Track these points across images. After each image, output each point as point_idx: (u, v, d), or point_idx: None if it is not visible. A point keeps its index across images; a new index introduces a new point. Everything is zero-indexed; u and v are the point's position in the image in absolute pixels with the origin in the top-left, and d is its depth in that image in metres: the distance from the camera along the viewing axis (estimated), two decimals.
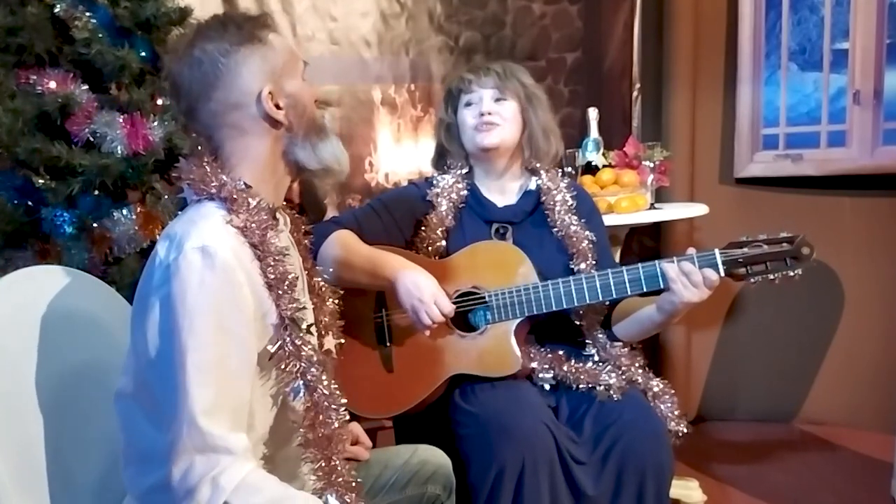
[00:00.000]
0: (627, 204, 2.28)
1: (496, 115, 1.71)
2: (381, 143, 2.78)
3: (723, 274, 1.51)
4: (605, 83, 3.04)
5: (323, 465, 1.09)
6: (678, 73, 2.91)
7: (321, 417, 1.10)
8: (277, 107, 1.12)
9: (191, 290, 0.99)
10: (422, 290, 1.54)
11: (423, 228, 1.75)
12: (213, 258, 1.00)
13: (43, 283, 1.25)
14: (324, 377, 1.10)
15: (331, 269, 1.59)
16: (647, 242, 3.03)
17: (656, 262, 1.55)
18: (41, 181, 1.68)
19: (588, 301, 1.59)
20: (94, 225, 1.72)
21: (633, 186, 2.35)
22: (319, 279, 1.33)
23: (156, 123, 1.75)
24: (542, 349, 1.68)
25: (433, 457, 1.43)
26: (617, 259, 2.45)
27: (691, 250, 1.53)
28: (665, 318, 1.57)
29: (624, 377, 1.62)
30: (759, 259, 1.51)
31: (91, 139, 1.70)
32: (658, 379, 1.67)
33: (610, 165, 2.43)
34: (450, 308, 1.56)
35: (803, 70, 3.06)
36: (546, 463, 1.47)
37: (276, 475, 1.11)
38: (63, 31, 1.73)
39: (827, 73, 2.95)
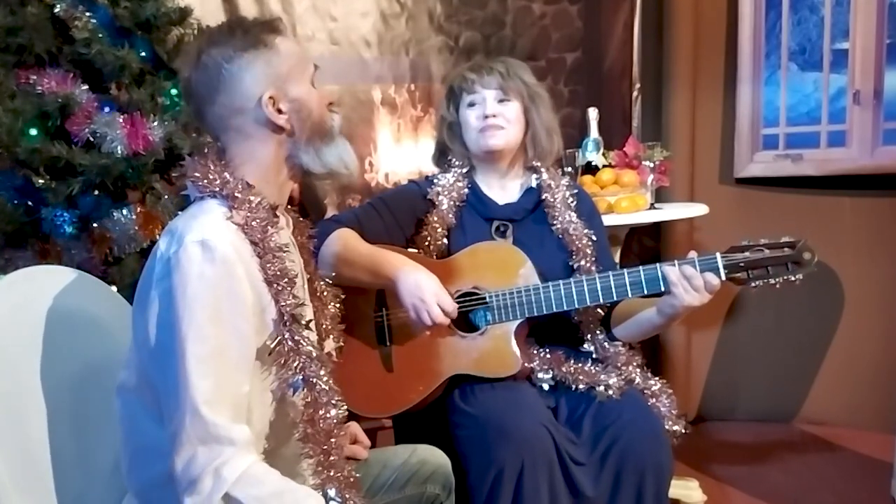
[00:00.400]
0: (627, 204, 2.28)
1: (500, 116, 1.71)
2: (381, 143, 2.78)
3: (724, 278, 1.51)
4: (605, 83, 3.04)
5: (322, 459, 1.10)
6: (678, 73, 2.91)
7: (320, 412, 1.10)
8: (280, 111, 1.13)
9: (191, 282, 1.00)
10: (423, 290, 1.54)
11: (424, 227, 1.75)
12: (213, 251, 1.01)
13: (43, 283, 1.25)
14: (322, 372, 1.11)
15: (331, 269, 1.59)
16: (647, 242, 3.03)
17: (657, 264, 1.55)
18: (41, 181, 1.68)
19: (589, 303, 1.59)
20: (94, 225, 1.73)
21: (633, 186, 2.35)
22: (321, 282, 1.34)
23: (156, 123, 1.75)
24: (542, 350, 1.68)
25: (432, 456, 1.44)
26: (617, 259, 2.45)
27: (692, 253, 1.52)
28: (665, 321, 1.57)
29: (623, 377, 1.62)
30: (761, 264, 1.50)
31: (91, 139, 1.70)
32: (656, 378, 1.67)
33: (610, 165, 2.43)
34: (452, 307, 1.56)
35: (803, 70, 3.06)
36: (545, 464, 1.47)
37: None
38: (63, 31, 1.73)
39: (827, 73, 2.95)
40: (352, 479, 1.12)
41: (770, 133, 3.03)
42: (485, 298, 1.64)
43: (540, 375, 1.64)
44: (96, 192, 1.74)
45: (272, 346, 1.09)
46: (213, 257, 1.01)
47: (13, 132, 1.64)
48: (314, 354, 1.11)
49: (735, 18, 2.96)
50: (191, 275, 1.00)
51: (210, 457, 0.99)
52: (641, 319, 1.62)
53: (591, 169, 2.43)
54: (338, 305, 1.36)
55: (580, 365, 1.64)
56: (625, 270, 1.57)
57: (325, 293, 1.34)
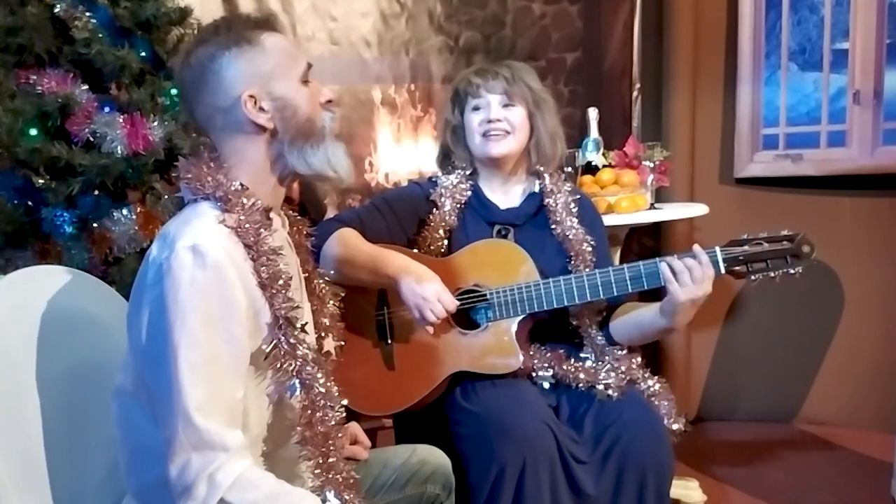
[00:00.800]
0: (627, 204, 2.28)
1: (504, 121, 1.71)
2: (381, 143, 2.78)
3: (723, 271, 1.51)
4: (605, 83, 3.04)
5: (321, 462, 1.09)
6: (678, 73, 2.91)
7: (318, 415, 1.10)
8: (263, 110, 1.11)
9: (182, 288, 1.00)
10: (425, 288, 1.54)
11: (425, 227, 1.75)
12: (204, 257, 1.01)
13: (43, 283, 1.25)
14: (319, 375, 1.11)
15: (332, 268, 1.59)
16: (647, 242, 3.03)
17: (657, 259, 1.55)
18: (41, 181, 1.68)
19: (590, 298, 1.60)
20: (94, 225, 1.72)
21: (633, 186, 2.35)
22: (320, 281, 1.33)
23: (156, 123, 1.75)
24: (542, 348, 1.68)
25: (432, 456, 1.43)
26: (617, 259, 2.45)
27: (696, 247, 1.52)
28: (668, 323, 1.55)
29: (623, 376, 1.62)
30: (760, 257, 1.51)
31: (91, 139, 1.70)
32: (655, 377, 1.67)
33: (610, 165, 2.43)
34: (453, 304, 1.56)
35: (803, 70, 3.06)
36: (547, 462, 1.47)
37: (274, 474, 1.11)
38: (63, 31, 1.73)
39: (827, 73, 2.95)
40: (351, 481, 1.12)
41: (770, 133, 3.04)
42: (486, 296, 1.64)
43: (541, 373, 1.65)
44: (96, 192, 1.73)
45: (268, 349, 1.08)
46: (205, 263, 1.01)
47: (13, 132, 1.64)
48: (310, 357, 1.10)
49: (735, 18, 2.96)
50: (182, 281, 1.00)
51: (204, 463, 0.99)
52: (644, 322, 1.62)
53: (591, 169, 2.43)
54: (337, 303, 1.35)
55: (581, 363, 1.64)
56: (625, 266, 1.58)
57: (323, 291, 1.33)
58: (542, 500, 1.46)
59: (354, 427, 1.44)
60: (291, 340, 1.09)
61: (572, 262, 1.70)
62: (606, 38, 3.03)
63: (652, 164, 2.42)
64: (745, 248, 1.51)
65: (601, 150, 2.46)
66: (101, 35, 1.73)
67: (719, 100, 3.03)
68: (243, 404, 1.07)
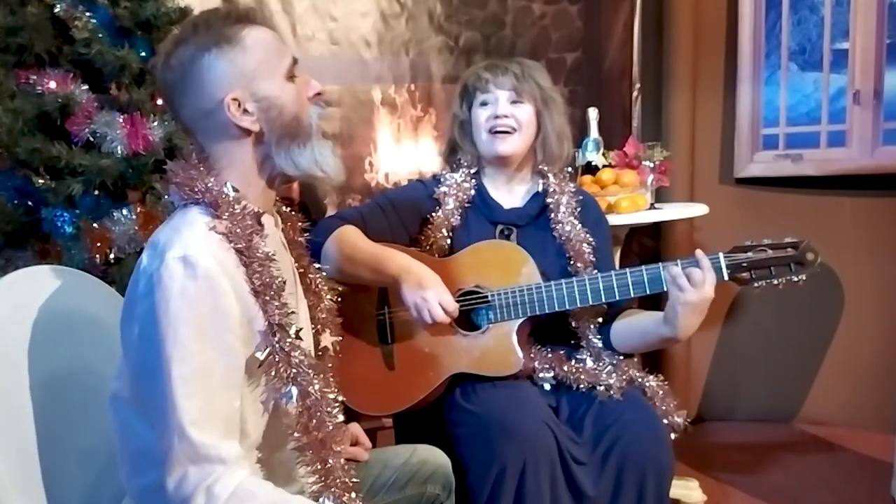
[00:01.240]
0: (627, 204, 2.28)
1: (511, 118, 1.70)
2: (381, 143, 2.77)
3: (727, 278, 1.50)
4: (605, 83, 3.04)
5: (319, 467, 1.09)
6: (678, 73, 2.91)
7: (314, 421, 1.09)
8: (247, 111, 1.08)
9: (173, 300, 0.98)
10: (425, 289, 1.54)
11: (428, 226, 1.75)
12: (194, 267, 0.99)
13: (43, 283, 1.25)
14: (315, 381, 1.09)
15: (333, 265, 1.58)
16: (647, 242, 3.02)
17: (660, 264, 1.55)
18: (41, 181, 1.68)
19: (591, 302, 1.59)
20: (94, 225, 1.72)
21: (633, 186, 2.35)
22: (317, 276, 1.32)
23: (156, 123, 1.75)
24: (543, 349, 1.68)
25: (432, 456, 1.43)
26: (617, 259, 2.45)
27: (698, 252, 1.51)
28: (671, 331, 1.52)
29: (623, 376, 1.62)
30: (764, 264, 1.49)
31: (91, 139, 1.70)
32: (653, 376, 1.67)
33: (610, 165, 2.43)
34: (454, 307, 1.56)
35: (803, 70, 3.06)
36: (547, 462, 1.47)
37: (273, 479, 1.11)
38: (63, 31, 1.72)
39: (827, 73, 2.95)
40: (350, 484, 1.11)
41: (770, 133, 3.03)
42: (487, 297, 1.64)
43: (541, 374, 1.65)
44: (96, 192, 1.73)
45: (262, 357, 1.07)
46: (195, 273, 0.99)
47: (13, 132, 1.64)
48: (306, 363, 1.09)
49: (735, 18, 2.96)
50: (173, 292, 0.98)
51: (201, 476, 0.99)
52: (647, 330, 1.61)
53: (591, 169, 2.43)
54: (334, 298, 1.34)
55: (581, 364, 1.64)
56: (627, 270, 1.57)
57: (320, 286, 1.32)
58: (542, 500, 1.46)
59: (355, 428, 1.44)
60: (286, 347, 1.07)
61: (573, 264, 1.69)
62: (606, 38, 3.03)
63: (652, 164, 2.42)
64: (749, 254, 1.50)
65: (601, 150, 2.46)
66: (101, 35, 1.73)
67: (719, 100, 3.02)
68: (241, 411, 1.06)
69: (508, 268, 1.65)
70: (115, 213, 1.73)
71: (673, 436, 1.59)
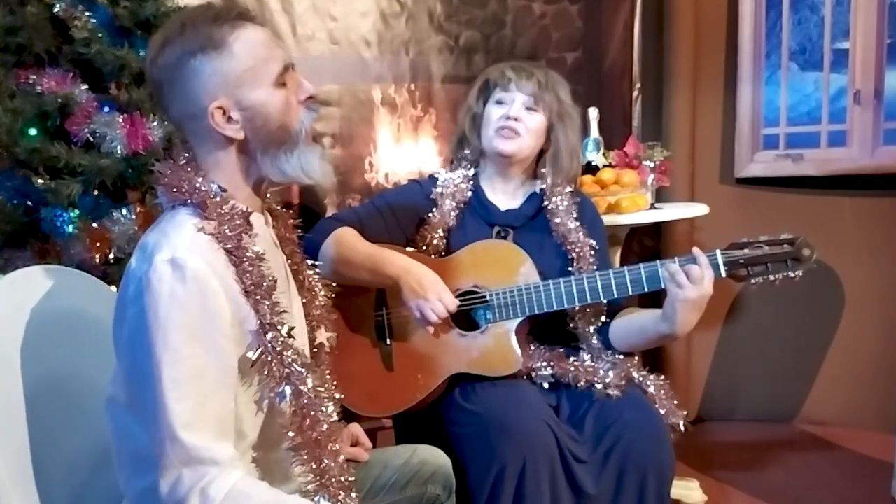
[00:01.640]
0: (628, 204, 2.28)
1: (521, 122, 1.70)
2: (381, 143, 2.77)
3: (724, 274, 1.51)
4: (606, 83, 3.04)
5: (314, 466, 1.08)
6: (678, 72, 2.91)
7: (308, 420, 1.08)
8: (231, 118, 1.07)
9: (162, 303, 0.98)
10: (425, 288, 1.54)
11: (424, 226, 1.75)
12: (183, 270, 0.99)
13: (43, 283, 1.25)
14: (308, 380, 1.08)
15: (331, 267, 1.58)
16: (648, 242, 3.02)
17: (657, 262, 1.55)
18: (41, 181, 1.67)
19: (590, 301, 1.59)
20: (94, 225, 1.72)
21: (634, 186, 2.35)
22: (310, 272, 1.32)
23: (155, 123, 1.75)
24: (542, 347, 1.68)
25: (433, 457, 1.43)
26: (617, 259, 2.45)
27: (695, 250, 1.52)
28: (669, 328, 1.52)
29: (623, 375, 1.61)
30: (760, 260, 1.51)
31: (91, 139, 1.70)
32: (654, 375, 1.67)
33: (610, 165, 2.43)
34: (454, 304, 1.56)
35: (804, 70, 3.06)
36: (547, 461, 1.47)
37: (269, 477, 1.11)
38: (63, 31, 1.72)
39: (827, 73, 2.95)
40: (346, 484, 1.10)
41: (770, 133, 3.03)
42: (485, 297, 1.64)
43: (540, 373, 1.65)
44: (96, 192, 1.73)
45: (254, 357, 1.06)
46: (184, 276, 0.98)
47: (13, 132, 1.64)
48: (299, 362, 1.08)
49: (735, 18, 2.95)
50: (162, 296, 0.98)
51: (195, 478, 0.98)
52: (646, 327, 1.61)
53: (591, 169, 2.43)
54: (329, 294, 1.33)
55: (580, 363, 1.64)
56: (625, 268, 1.57)
57: (313, 282, 1.31)
58: (542, 499, 1.46)
59: (356, 428, 1.44)
60: (278, 347, 1.06)
61: (572, 265, 1.69)
62: (607, 37, 3.02)
63: (652, 164, 2.42)
64: (746, 251, 1.52)
65: (601, 150, 2.46)
66: (100, 35, 1.73)
67: (720, 99, 3.02)
68: (236, 412, 1.06)
69: (506, 267, 1.65)
70: (114, 213, 1.73)
71: (673, 436, 1.59)
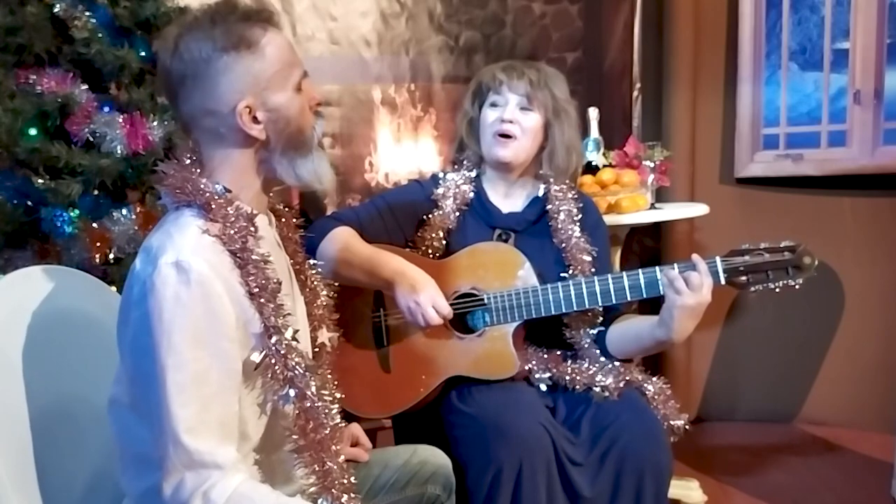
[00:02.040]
0: (628, 204, 2.28)
1: (517, 124, 1.68)
2: (381, 143, 2.77)
3: (723, 282, 1.50)
4: (605, 83, 3.04)
5: (317, 469, 1.08)
6: (678, 72, 2.91)
7: (312, 423, 1.08)
8: (256, 119, 1.07)
9: (166, 307, 0.98)
10: (418, 292, 1.53)
11: (425, 227, 1.74)
12: (187, 273, 0.98)
13: (43, 283, 1.24)
14: (312, 383, 1.08)
15: (328, 267, 1.58)
16: (648, 242, 3.02)
17: (656, 268, 1.54)
18: (41, 181, 1.67)
19: (588, 305, 1.59)
20: (94, 225, 1.72)
21: (634, 186, 2.35)
22: (312, 272, 1.32)
23: (155, 123, 1.75)
24: (539, 350, 1.68)
25: (433, 457, 1.43)
26: (617, 259, 2.45)
27: (695, 256, 1.51)
28: (666, 334, 1.51)
29: (621, 378, 1.61)
30: (761, 268, 1.50)
31: (91, 139, 1.70)
32: (654, 377, 1.66)
33: (610, 165, 2.43)
34: (447, 310, 1.55)
35: (804, 70, 3.06)
36: (543, 464, 1.47)
37: (271, 478, 1.11)
38: (62, 31, 1.72)
39: (827, 73, 2.95)
40: (349, 485, 1.11)
41: (770, 133, 3.03)
42: (483, 300, 1.64)
43: (538, 375, 1.64)
44: (96, 192, 1.73)
45: (258, 360, 1.06)
46: (189, 279, 0.98)
47: (13, 132, 1.64)
48: (303, 365, 1.08)
49: (735, 18, 2.95)
50: (166, 299, 0.98)
51: (197, 482, 0.98)
52: (642, 334, 1.59)
53: (591, 169, 2.42)
54: (331, 294, 1.33)
55: (577, 365, 1.64)
56: (623, 274, 1.57)
57: (315, 282, 1.31)
58: (538, 501, 1.46)
59: (356, 428, 1.44)
60: (282, 350, 1.06)
61: (571, 271, 1.67)
62: (606, 37, 3.02)
63: (652, 164, 2.42)
64: (746, 258, 1.50)
65: (601, 150, 2.46)
66: (100, 35, 1.73)
67: (720, 100, 3.02)
68: (239, 414, 1.06)
69: (505, 270, 1.64)
70: (114, 213, 1.73)
71: (673, 438, 1.59)
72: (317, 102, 1.15)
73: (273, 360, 1.06)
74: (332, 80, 2.62)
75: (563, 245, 1.70)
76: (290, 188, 1.20)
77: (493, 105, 1.72)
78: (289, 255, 1.26)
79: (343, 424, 1.25)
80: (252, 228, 1.07)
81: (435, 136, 2.81)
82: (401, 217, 1.75)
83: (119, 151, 1.70)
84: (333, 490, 1.08)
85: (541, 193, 1.76)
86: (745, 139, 2.99)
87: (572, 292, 1.58)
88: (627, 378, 1.62)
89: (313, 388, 1.09)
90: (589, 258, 1.68)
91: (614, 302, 1.58)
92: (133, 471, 1.11)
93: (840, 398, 2.96)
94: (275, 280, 1.08)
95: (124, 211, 1.74)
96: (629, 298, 1.56)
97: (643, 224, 2.51)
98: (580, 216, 1.72)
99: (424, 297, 1.53)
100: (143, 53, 1.80)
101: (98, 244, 1.73)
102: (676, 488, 2.25)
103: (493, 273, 1.65)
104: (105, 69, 1.75)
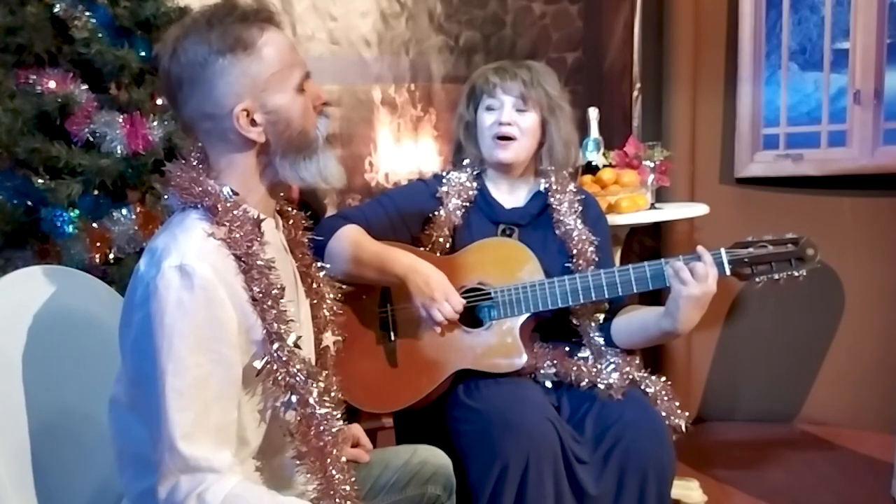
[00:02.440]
0: (628, 204, 2.28)
1: (514, 125, 1.70)
2: (381, 143, 2.77)
3: (728, 273, 1.51)
4: (605, 83, 3.04)
5: (319, 475, 1.08)
6: (678, 72, 2.91)
7: (313, 430, 1.07)
8: (255, 122, 1.06)
9: (168, 311, 0.97)
10: (433, 288, 1.55)
11: (430, 225, 1.75)
12: (191, 277, 0.97)
13: (43, 283, 1.24)
14: (314, 389, 1.08)
15: (337, 265, 1.58)
16: (648, 242, 3.02)
17: (662, 260, 1.55)
18: (41, 181, 1.67)
19: (594, 298, 1.60)
20: (94, 225, 1.72)
21: (634, 186, 2.35)
22: (319, 275, 1.31)
23: (155, 123, 1.75)
24: (545, 345, 1.69)
25: (433, 457, 1.43)
26: (617, 259, 2.45)
27: (699, 248, 1.52)
28: (672, 325, 1.52)
29: (625, 376, 1.61)
30: (764, 259, 1.52)
31: (91, 139, 1.70)
32: (655, 376, 1.67)
33: (610, 165, 2.43)
34: (461, 304, 1.57)
35: (804, 70, 3.06)
36: (550, 459, 1.47)
37: (272, 483, 1.10)
38: (63, 31, 1.72)
39: (827, 73, 2.95)
40: (351, 492, 1.10)
41: (770, 133, 3.03)
42: (490, 294, 1.64)
43: (543, 371, 1.65)
44: (96, 192, 1.73)
45: (259, 366, 1.05)
46: (192, 283, 0.97)
47: (13, 132, 1.64)
48: (305, 372, 1.07)
49: (735, 18, 2.95)
50: (168, 303, 0.97)
51: (192, 484, 0.98)
52: (648, 325, 1.61)
53: (591, 169, 2.43)
54: (336, 297, 1.33)
55: (583, 362, 1.64)
56: (630, 266, 1.58)
57: (322, 286, 1.31)
58: (545, 497, 1.46)
59: (356, 429, 1.43)
60: (284, 357, 1.05)
61: (574, 263, 1.69)
62: (606, 37, 3.02)
63: (652, 164, 2.42)
64: (750, 250, 1.53)
65: (601, 150, 2.46)
66: (100, 35, 1.73)
67: (720, 99, 3.02)
68: (239, 419, 1.06)
69: (511, 265, 1.66)
70: (114, 213, 1.73)
71: (675, 437, 1.59)
72: (322, 102, 1.14)
73: (275, 367, 1.05)
74: (332, 80, 2.62)
75: (566, 236, 1.72)
76: (290, 187, 1.20)
77: (489, 108, 1.73)
78: (295, 258, 1.25)
79: (345, 427, 1.25)
80: (258, 233, 1.07)
81: (435, 136, 2.81)
82: (407, 215, 1.76)
83: (119, 151, 1.70)
84: (336, 497, 1.08)
85: (542, 188, 1.78)
86: (745, 139, 3.00)
87: (578, 285, 1.59)
88: (631, 377, 1.62)
89: (315, 395, 1.08)
90: (592, 248, 1.70)
91: (620, 294, 1.59)
92: (132, 471, 1.11)
93: (840, 398, 2.96)
94: (278, 286, 1.06)
95: (124, 211, 1.74)
96: (635, 290, 1.58)
97: (643, 224, 2.51)
98: (581, 209, 1.75)
99: (439, 292, 1.55)
100: (143, 53, 1.80)
101: (98, 244, 1.73)
102: (677, 488, 2.25)
103: (500, 268, 1.66)
104: (105, 69, 1.75)
